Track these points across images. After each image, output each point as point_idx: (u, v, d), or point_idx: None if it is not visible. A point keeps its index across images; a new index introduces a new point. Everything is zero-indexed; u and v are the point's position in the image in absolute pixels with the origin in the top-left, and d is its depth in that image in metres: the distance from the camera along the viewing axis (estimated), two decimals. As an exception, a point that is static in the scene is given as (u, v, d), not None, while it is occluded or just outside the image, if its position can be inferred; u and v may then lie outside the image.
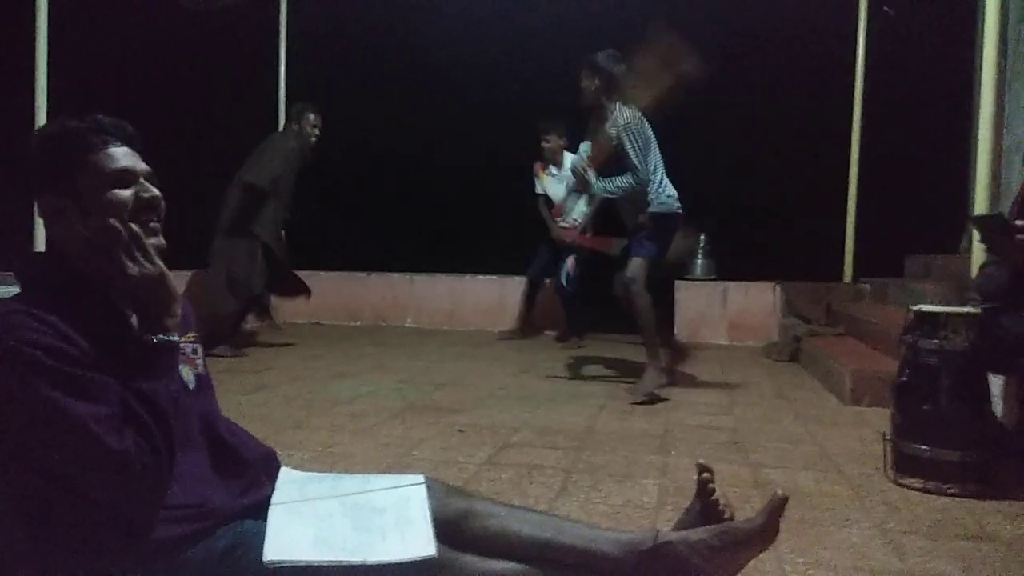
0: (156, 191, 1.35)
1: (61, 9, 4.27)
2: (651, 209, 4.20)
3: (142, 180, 1.34)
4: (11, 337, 1.18)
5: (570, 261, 5.78)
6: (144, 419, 1.22)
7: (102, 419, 1.18)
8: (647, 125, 4.18)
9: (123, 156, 1.33)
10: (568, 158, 6.04)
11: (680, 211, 4.32)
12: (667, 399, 4.02)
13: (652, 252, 4.19)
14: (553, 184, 6.30)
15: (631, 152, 4.07)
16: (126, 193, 1.31)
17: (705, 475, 1.55)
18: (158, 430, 1.23)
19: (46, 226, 1.35)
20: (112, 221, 1.28)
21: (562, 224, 5.59)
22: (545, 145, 6.27)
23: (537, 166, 6.41)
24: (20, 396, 1.17)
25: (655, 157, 4.23)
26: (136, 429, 1.21)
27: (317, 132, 5.51)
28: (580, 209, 5.51)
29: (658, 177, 4.23)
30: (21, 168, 1.35)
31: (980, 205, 3.42)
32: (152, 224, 1.34)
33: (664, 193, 4.24)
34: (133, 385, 1.25)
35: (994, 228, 2.54)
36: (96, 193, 1.30)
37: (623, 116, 4.10)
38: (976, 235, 2.95)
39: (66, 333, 1.21)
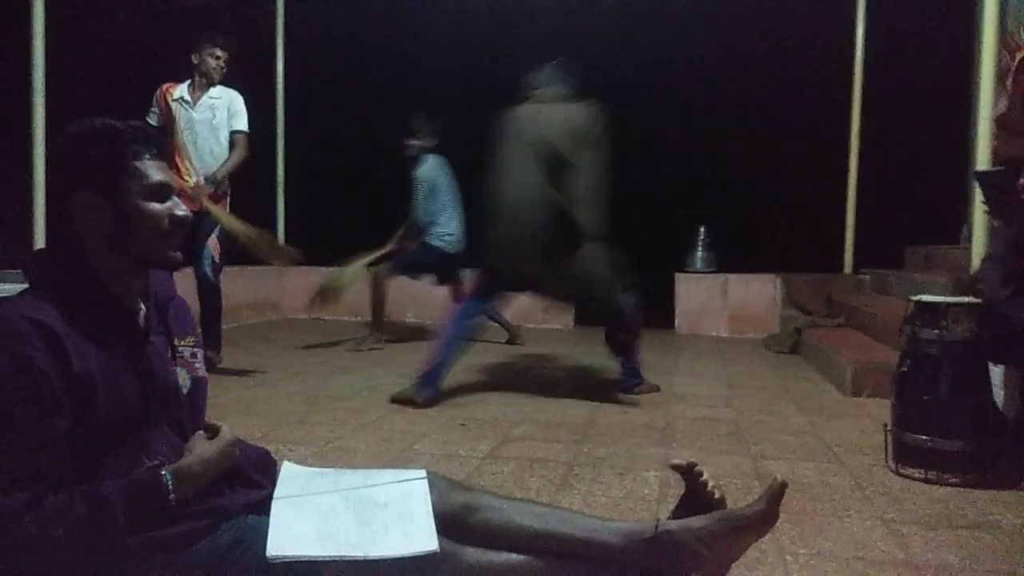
0: (189, 212, 1.41)
1: (57, 7, 4.26)
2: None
3: (175, 197, 1.40)
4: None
5: (213, 242, 4.43)
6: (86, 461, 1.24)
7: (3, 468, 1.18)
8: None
9: (162, 170, 1.38)
10: (227, 95, 4.60)
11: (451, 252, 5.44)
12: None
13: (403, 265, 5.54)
14: (184, 116, 4.52)
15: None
16: (161, 207, 1.36)
17: (688, 463, 1.56)
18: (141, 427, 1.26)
19: (67, 220, 1.34)
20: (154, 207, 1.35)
21: (189, 181, 4.41)
22: (210, 60, 4.51)
23: (166, 87, 4.60)
24: None
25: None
26: (55, 483, 1.20)
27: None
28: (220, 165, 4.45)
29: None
30: (62, 160, 1.36)
31: (979, 196, 3.42)
32: (176, 240, 1.40)
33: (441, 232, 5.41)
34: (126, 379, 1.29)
35: (997, 186, 2.52)
36: (136, 200, 1.34)
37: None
38: (978, 200, 2.90)
39: (58, 342, 1.22)
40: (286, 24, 7.06)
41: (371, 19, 7.37)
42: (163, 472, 1.28)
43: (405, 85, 7.68)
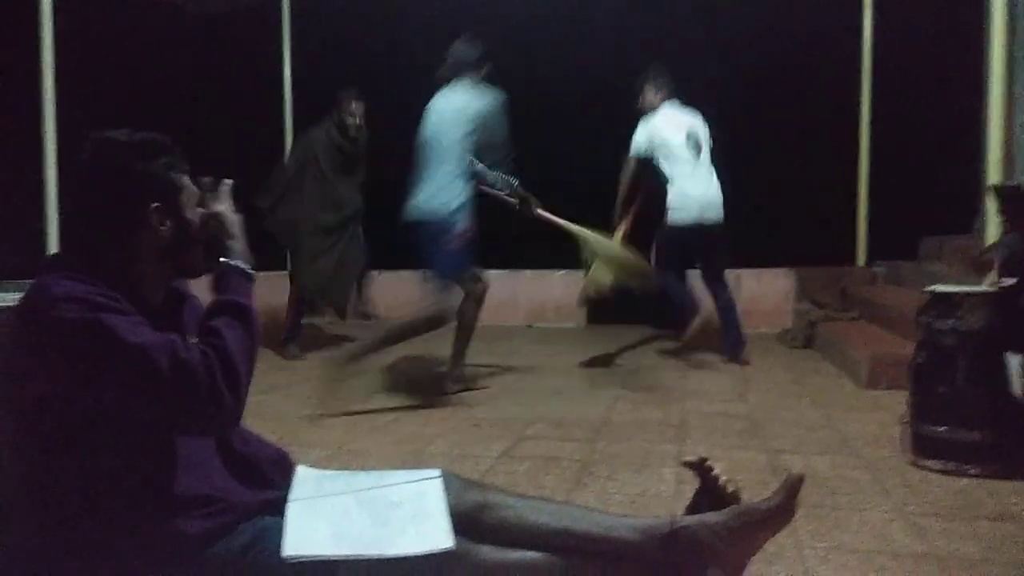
0: None
1: (65, 15, 4.29)
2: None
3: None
4: (67, 289, 1.23)
5: None
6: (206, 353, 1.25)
7: (158, 342, 1.21)
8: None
9: (192, 184, 1.45)
10: None
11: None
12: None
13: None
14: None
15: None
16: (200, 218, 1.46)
17: (700, 459, 1.56)
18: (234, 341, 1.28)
19: (130, 232, 1.36)
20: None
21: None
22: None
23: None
24: (81, 330, 1.19)
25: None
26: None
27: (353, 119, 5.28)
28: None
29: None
30: (126, 172, 1.37)
31: (993, 207, 3.40)
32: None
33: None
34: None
35: (1012, 197, 2.55)
36: (189, 213, 1.42)
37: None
38: (992, 206, 2.93)
39: (115, 296, 1.27)
40: (292, 28, 7.08)
41: (380, 21, 7.38)
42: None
43: (415, 87, 7.70)
